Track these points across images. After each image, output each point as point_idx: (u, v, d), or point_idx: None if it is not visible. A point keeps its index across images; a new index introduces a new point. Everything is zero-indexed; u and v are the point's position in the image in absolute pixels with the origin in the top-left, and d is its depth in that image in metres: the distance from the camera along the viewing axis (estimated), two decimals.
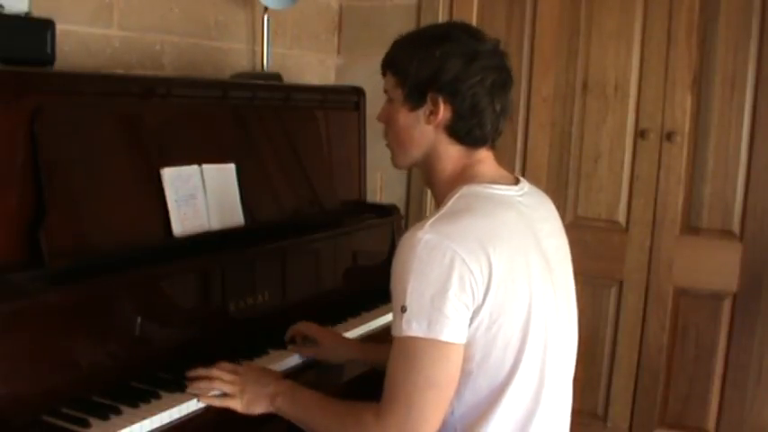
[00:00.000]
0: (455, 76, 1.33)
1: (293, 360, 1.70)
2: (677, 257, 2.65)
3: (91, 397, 1.39)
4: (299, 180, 2.09)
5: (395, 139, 1.43)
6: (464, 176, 1.38)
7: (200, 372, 1.48)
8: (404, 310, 1.24)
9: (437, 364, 1.25)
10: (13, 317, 1.30)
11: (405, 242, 1.27)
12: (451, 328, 1.23)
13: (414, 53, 1.36)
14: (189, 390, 1.46)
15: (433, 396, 1.25)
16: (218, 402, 1.45)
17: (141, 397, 1.41)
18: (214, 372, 1.48)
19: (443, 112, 1.35)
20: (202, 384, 1.47)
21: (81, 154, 1.52)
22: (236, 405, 1.45)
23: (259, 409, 1.45)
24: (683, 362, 2.68)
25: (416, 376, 1.24)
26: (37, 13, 1.69)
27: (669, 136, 2.62)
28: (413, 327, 1.23)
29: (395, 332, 1.27)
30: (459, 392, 1.30)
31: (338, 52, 3.13)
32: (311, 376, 1.67)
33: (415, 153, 1.41)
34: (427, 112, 1.37)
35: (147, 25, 2.23)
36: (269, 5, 2.48)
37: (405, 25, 2.86)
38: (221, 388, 1.46)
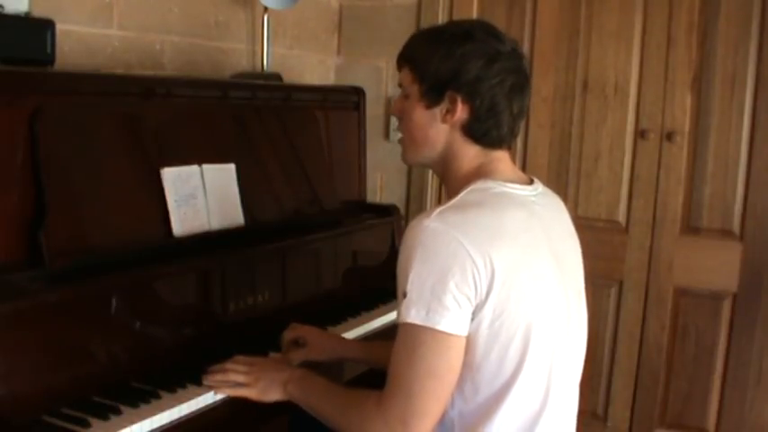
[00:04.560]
0: (476, 77, 1.32)
1: (292, 361, 1.70)
2: (677, 257, 2.65)
3: (91, 397, 1.39)
4: (298, 180, 2.08)
5: (408, 136, 1.42)
6: (479, 173, 1.37)
7: (216, 366, 1.51)
8: (405, 295, 1.25)
9: (436, 354, 1.25)
10: (14, 317, 1.30)
11: (411, 229, 1.28)
12: (450, 318, 1.23)
13: (435, 50, 1.35)
14: (205, 383, 1.48)
15: (434, 385, 1.26)
16: (232, 392, 1.47)
17: (141, 397, 1.41)
18: (228, 364, 1.51)
19: (460, 111, 1.34)
20: (218, 376, 1.49)
21: (81, 154, 1.52)
22: (251, 393, 1.47)
23: (273, 395, 1.47)
24: (683, 362, 2.68)
25: (417, 365, 1.25)
26: (37, 13, 1.69)
27: (669, 136, 2.62)
28: (411, 313, 1.24)
29: (398, 318, 1.28)
30: (459, 386, 1.30)
31: (338, 52, 3.13)
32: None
33: (429, 152, 1.40)
34: (444, 111, 1.36)
35: (147, 25, 2.23)
36: (269, 5, 2.48)
37: (405, 25, 2.89)
38: (236, 379, 1.48)
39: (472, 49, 1.33)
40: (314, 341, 1.70)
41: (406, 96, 1.41)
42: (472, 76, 1.32)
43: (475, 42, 1.34)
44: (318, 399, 1.43)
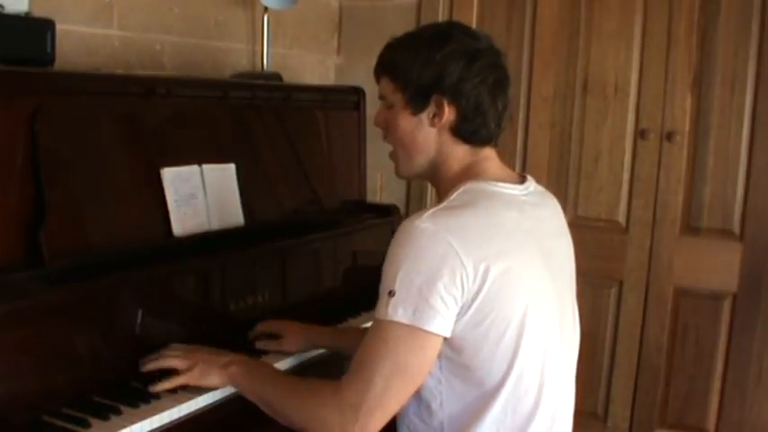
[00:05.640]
0: (458, 78, 1.33)
1: (292, 361, 1.70)
2: (677, 257, 2.65)
3: (91, 397, 1.39)
4: (299, 180, 2.08)
5: (399, 146, 1.42)
6: (469, 174, 1.37)
7: (151, 356, 1.47)
8: (391, 294, 1.24)
9: (412, 352, 1.25)
10: (13, 317, 1.30)
11: (402, 229, 1.28)
12: (436, 319, 1.23)
13: (414, 57, 1.35)
14: (141, 369, 1.45)
15: (399, 382, 1.25)
16: (170, 384, 1.43)
17: (141, 397, 1.41)
18: (164, 351, 1.48)
19: (448, 113, 1.35)
20: (152, 364, 1.46)
21: (81, 154, 1.52)
22: (189, 379, 1.44)
23: (212, 380, 1.44)
24: (683, 362, 2.68)
25: (387, 360, 1.24)
26: (37, 13, 1.69)
27: (669, 136, 2.62)
28: (398, 313, 1.24)
29: (378, 315, 1.27)
30: (450, 384, 1.30)
31: (338, 52, 3.13)
32: (312, 377, 1.67)
33: (421, 159, 1.40)
34: (431, 115, 1.36)
35: (147, 25, 2.23)
36: (269, 5, 2.48)
37: (405, 25, 2.85)
38: (172, 364, 1.45)
39: (451, 51, 1.33)
40: (290, 335, 1.70)
41: (389, 107, 1.41)
42: (455, 78, 1.33)
43: (453, 43, 1.34)
44: (265, 383, 1.40)
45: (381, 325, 1.26)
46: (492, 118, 1.36)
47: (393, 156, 1.45)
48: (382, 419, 1.27)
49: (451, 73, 1.33)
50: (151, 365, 1.47)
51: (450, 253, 1.23)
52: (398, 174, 1.47)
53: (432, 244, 1.23)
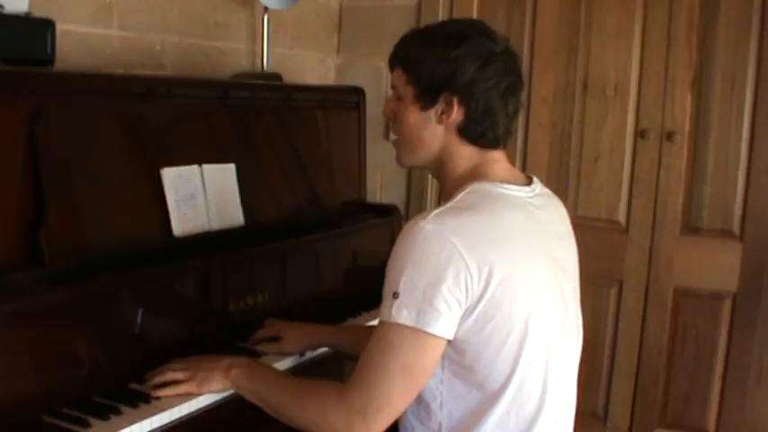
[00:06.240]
0: (471, 79, 1.32)
1: (291, 361, 1.70)
2: (677, 257, 2.65)
3: (91, 397, 1.39)
4: (299, 180, 2.08)
5: (404, 138, 1.42)
6: (476, 174, 1.36)
7: (154, 372, 1.48)
8: (396, 296, 1.24)
9: (416, 354, 1.25)
10: (13, 317, 1.30)
11: (407, 229, 1.27)
12: (439, 321, 1.23)
13: (429, 52, 1.34)
14: (145, 390, 1.45)
15: (403, 383, 1.25)
16: (172, 391, 1.43)
17: (141, 397, 1.41)
18: (165, 366, 1.48)
19: (456, 113, 1.34)
20: (156, 379, 1.46)
21: (81, 154, 1.52)
22: (191, 388, 1.44)
23: (214, 384, 1.45)
24: (683, 362, 2.68)
25: (392, 361, 1.25)
26: (37, 13, 1.69)
27: (669, 136, 2.62)
28: (402, 315, 1.23)
29: (383, 316, 1.27)
30: (451, 384, 1.30)
31: (338, 52, 3.13)
32: (312, 376, 1.67)
33: (425, 154, 1.40)
34: (439, 112, 1.35)
35: (147, 25, 2.23)
36: (269, 5, 2.48)
37: (405, 25, 2.85)
38: (174, 377, 1.45)
39: (467, 51, 1.32)
40: (286, 334, 1.70)
41: (399, 98, 1.40)
42: (468, 79, 1.32)
43: (469, 44, 1.33)
44: (268, 386, 1.40)
45: (386, 327, 1.26)
46: (501, 122, 1.36)
47: (396, 144, 1.45)
48: (388, 420, 1.28)
49: (465, 73, 1.32)
50: (155, 382, 1.46)
51: (455, 255, 1.22)
52: (399, 162, 1.47)
53: (436, 245, 1.23)
